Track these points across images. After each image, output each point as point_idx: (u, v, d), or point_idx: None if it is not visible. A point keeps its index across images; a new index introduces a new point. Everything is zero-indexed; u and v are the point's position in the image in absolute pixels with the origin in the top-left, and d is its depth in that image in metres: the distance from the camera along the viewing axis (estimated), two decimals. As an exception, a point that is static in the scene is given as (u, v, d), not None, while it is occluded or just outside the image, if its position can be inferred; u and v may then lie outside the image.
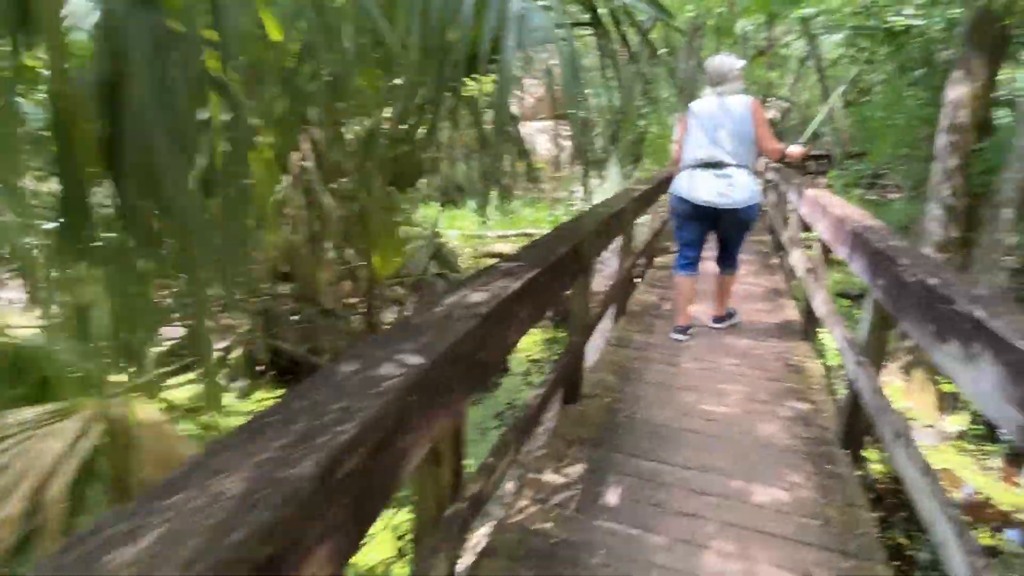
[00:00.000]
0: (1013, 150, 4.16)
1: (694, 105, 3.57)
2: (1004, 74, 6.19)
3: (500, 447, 1.79)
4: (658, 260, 6.38)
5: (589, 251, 2.70)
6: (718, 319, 4.09)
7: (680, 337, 3.86)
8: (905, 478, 1.76)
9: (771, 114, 22.43)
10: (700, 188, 3.43)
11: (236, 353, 4.88)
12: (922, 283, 1.73)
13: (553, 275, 1.97)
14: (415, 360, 1.04)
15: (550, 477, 2.35)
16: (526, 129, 9.21)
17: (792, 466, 2.47)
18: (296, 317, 5.20)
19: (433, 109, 1.98)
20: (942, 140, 4.24)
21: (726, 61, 3.51)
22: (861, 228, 2.63)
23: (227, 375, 4.80)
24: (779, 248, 6.30)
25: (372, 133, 2.96)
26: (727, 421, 2.84)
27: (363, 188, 3.61)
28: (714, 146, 3.40)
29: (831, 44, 21.57)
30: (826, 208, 3.47)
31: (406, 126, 2.39)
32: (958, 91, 4.06)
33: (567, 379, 2.84)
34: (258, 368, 4.99)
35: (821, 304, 3.38)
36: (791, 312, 4.61)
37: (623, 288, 4.36)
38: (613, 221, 3.27)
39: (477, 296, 1.44)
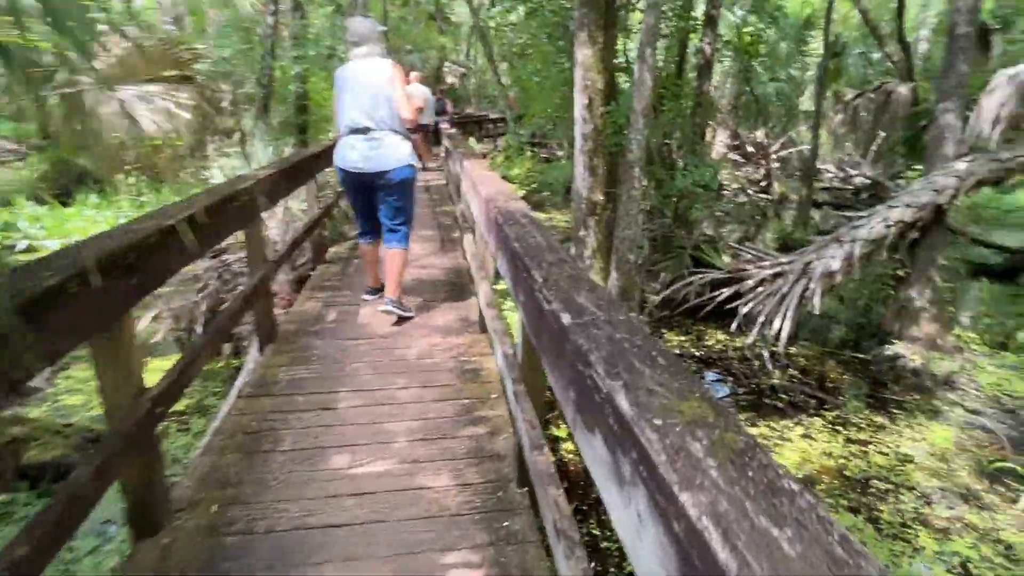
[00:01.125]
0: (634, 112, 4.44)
1: (340, 71, 3.45)
2: (620, 42, 6.81)
3: None
4: (335, 250, 5.44)
5: (114, 293, 1.59)
6: (391, 301, 3.63)
7: (368, 297, 3.96)
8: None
9: (449, 80, 23.23)
10: (350, 154, 3.35)
11: None
12: (556, 317, 1.17)
13: None
14: None
15: None
16: (117, 96, 6.99)
17: (463, 538, 1.89)
18: None
19: None
20: (578, 102, 4.23)
21: (365, 23, 3.46)
22: (503, 215, 2.12)
23: None
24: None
25: None
26: (385, 489, 2.13)
27: None
28: (360, 111, 3.30)
29: (492, 11, 23.13)
30: (476, 185, 2.99)
31: None
32: (584, 54, 4.00)
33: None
34: None
35: (484, 304, 2.91)
36: (472, 298, 4.22)
37: (262, 306, 3.30)
38: (215, 212, 2.19)
39: None
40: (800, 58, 12.16)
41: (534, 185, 10.19)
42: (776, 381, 5.08)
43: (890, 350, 5.31)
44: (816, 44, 11.82)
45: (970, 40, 5.44)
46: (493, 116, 18.92)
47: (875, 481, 3.71)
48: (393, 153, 3.30)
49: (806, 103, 13.22)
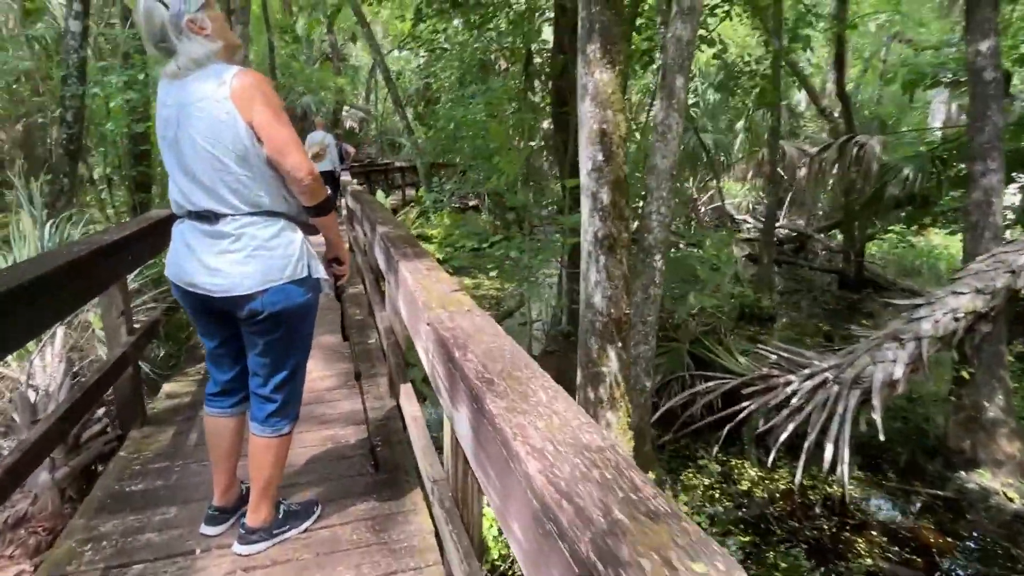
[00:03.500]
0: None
1: (159, 100, 1.67)
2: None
3: None
4: (170, 390, 3.28)
5: None
6: (250, 531, 1.86)
7: (211, 530, 1.93)
8: None
9: (348, 124, 21.23)
10: (185, 261, 1.67)
11: None
12: None
13: None
14: None
15: None
16: None
17: None
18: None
19: None
20: (586, 158, 2.58)
21: (155, 9, 1.55)
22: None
23: None
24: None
25: None
26: None
27: None
28: (190, 181, 1.61)
29: (395, 57, 21.72)
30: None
31: None
32: (598, 80, 2.39)
33: None
34: None
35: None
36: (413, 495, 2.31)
37: None
38: None
39: None
40: (728, 108, 11.67)
41: (458, 245, 8.44)
42: (862, 551, 3.53)
43: (973, 480, 4.05)
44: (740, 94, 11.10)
45: (1000, 87, 4.56)
46: (400, 164, 17.12)
47: None
48: (260, 264, 1.63)
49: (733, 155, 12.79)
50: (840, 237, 12.40)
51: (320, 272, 1.73)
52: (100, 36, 5.71)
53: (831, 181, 7.17)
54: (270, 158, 1.56)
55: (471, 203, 14.30)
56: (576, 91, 4.68)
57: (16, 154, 9.38)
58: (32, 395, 2.79)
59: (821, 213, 13.50)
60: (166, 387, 3.34)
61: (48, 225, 3.18)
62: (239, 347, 1.81)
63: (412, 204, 12.66)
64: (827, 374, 4.05)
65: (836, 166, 7.05)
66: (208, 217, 1.60)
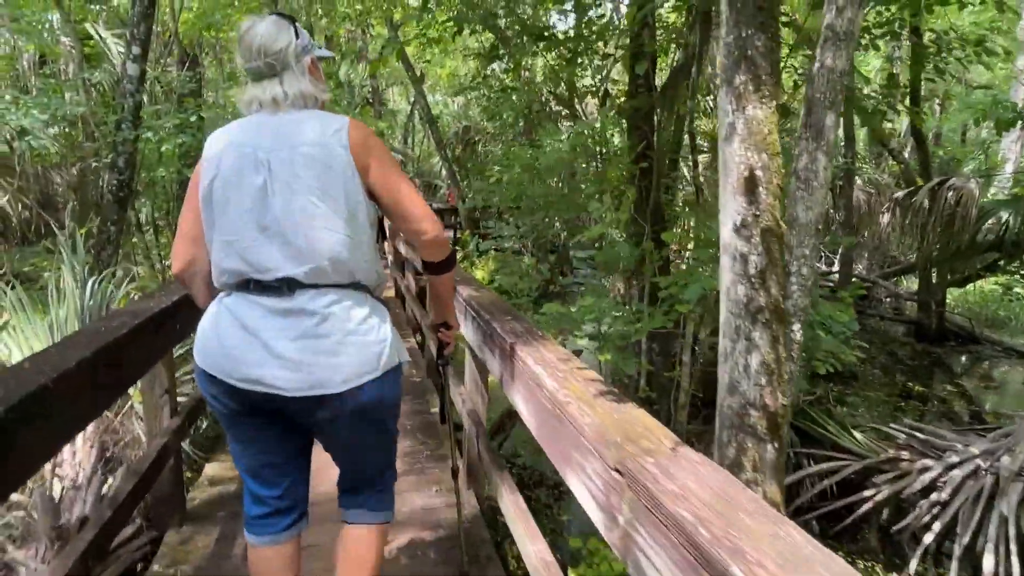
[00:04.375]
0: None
1: (213, 143, 1.33)
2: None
3: None
4: (212, 474, 2.83)
5: None
6: None
7: None
8: None
9: (388, 167, 21.37)
10: (239, 350, 1.27)
11: None
12: None
13: None
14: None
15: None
16: None
17: None
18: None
19: None
20: (731, 214, 2.10)
21: (277, 28, 1.32)
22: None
23: None
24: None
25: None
26: None
27: None
28: (263, 235, 1.26)
29: (433, 102, 22.08)
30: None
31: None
32: (750, 116, 1.92)
33: None
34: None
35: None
36: None
37: None
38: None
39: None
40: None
41: (515, 290, 8.01)
42: None
43: None
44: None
45: None
46: (437, 206, 17.08)
47: None
48: (355, 352, 1.30)
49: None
50: (905, 283, 11.57)
51: (406, 356, 1.43)
52: (156, 80, 5.60)
53: (918, 226, 6.52)
54: (392, 213, 1.34)
55: (507, 245, 13.98)
56: (655, 131, 4.23)
57: (69, 196, 9.43)
58: (58, 487, 2.36)
59: (883, 258, 12.69)
60: (208, 470, 2.90)
61: (91, 283, 2.83)
62: (295, 451, 1.47)
63: (456, 248, 12.44)
64: (978, 461, 3.38)
65: (925, 211, 6.43)
66: (279, 289, 1.26)
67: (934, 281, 8.86)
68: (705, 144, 4.53)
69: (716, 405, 2.25)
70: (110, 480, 2.45)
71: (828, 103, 2.40)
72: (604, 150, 3.69)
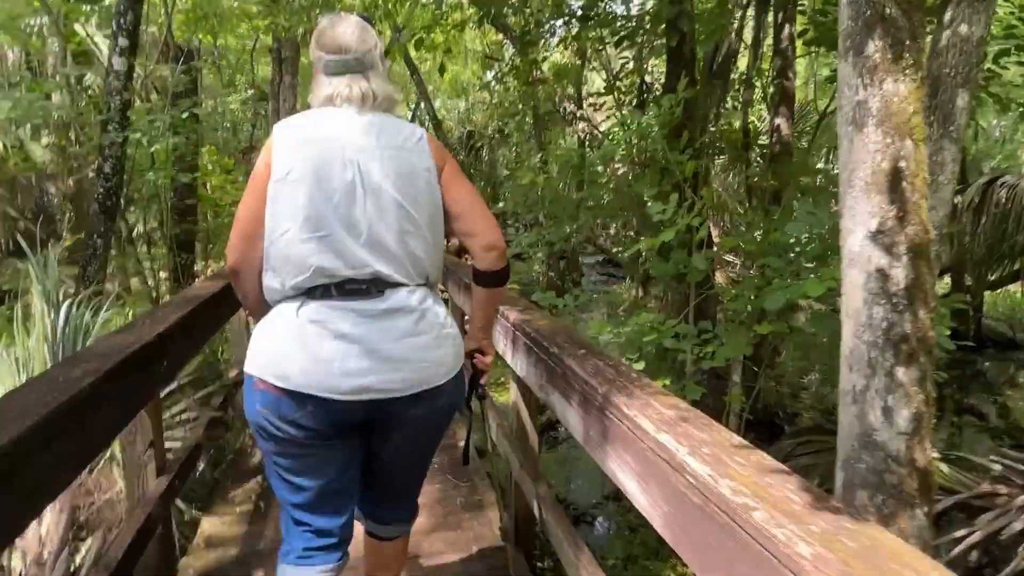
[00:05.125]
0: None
1: (284, 130, 1.33)
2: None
3: None
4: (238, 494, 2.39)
5: None
6: None
7: None
8: None
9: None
10: (341, 361, 1.24)
11: None
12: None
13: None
14: None
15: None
16: None
17: None
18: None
19: None
20: (862, 216, 1.65)
21: (360, 27, 1.37)
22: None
23: None
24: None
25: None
26: None
27: None
28: (351, 235, 1.27)
29: (438, 107, 21.77)
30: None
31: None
32: (888, 92, 1.45)
33: None
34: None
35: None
36: None
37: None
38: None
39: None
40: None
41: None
42: None
43: None
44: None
45: None
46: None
47: None
48: (451, 346, 1.36)
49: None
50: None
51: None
52: (146, 79, 5.18)
53: (970, 223, 6.09)
54: (459, 220, 1.40)
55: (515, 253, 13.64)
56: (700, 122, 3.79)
57: (67, 207, 8.98)
58: (18, 564, 1.92)
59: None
60: (205, 525, 2.44)
61: (65, 307, 2.39)
62: (356, 475, 1.42)
63: (465, 256, 12.04)
64: (1093, 498, 2.92)
65: (975, 210, 5.99)
66: (367, 292, 1.26)
67: (969, 283, 8.39)
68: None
69: (837, 453, 1.81)
70: (83, 550, 2.00)
71: (960, 80, 1.98)
72: (659, 147, 3.25)
